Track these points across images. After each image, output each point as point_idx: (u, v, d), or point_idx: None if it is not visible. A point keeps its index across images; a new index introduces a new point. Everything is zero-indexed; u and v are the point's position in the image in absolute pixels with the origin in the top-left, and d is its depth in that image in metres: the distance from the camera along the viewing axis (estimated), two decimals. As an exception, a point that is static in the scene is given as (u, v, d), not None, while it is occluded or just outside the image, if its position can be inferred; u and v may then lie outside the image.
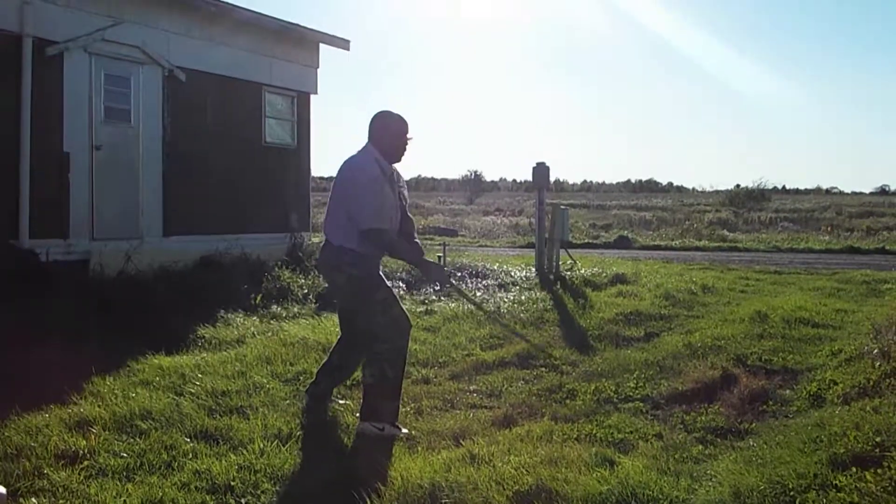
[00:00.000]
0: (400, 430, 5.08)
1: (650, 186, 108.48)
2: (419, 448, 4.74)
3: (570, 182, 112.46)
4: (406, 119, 5.30)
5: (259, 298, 9.58)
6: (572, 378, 6.57)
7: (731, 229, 31.31)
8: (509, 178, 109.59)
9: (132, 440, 4.74)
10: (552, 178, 14.69)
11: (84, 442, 4.60)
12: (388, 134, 5.24)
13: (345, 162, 5.27)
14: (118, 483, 4.09)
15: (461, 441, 4.81)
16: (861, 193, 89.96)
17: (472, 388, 6.29)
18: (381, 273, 5.44)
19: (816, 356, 7.29)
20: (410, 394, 5.99)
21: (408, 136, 5.28)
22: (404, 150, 5.30)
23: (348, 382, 5.94)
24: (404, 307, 5.55)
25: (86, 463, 4.33)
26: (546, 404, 5.77)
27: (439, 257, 12.49)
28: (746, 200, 47.88)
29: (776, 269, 15.77)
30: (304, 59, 14.38)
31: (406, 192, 5.55)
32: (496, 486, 3.97)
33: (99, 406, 5.29)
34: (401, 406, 5.40)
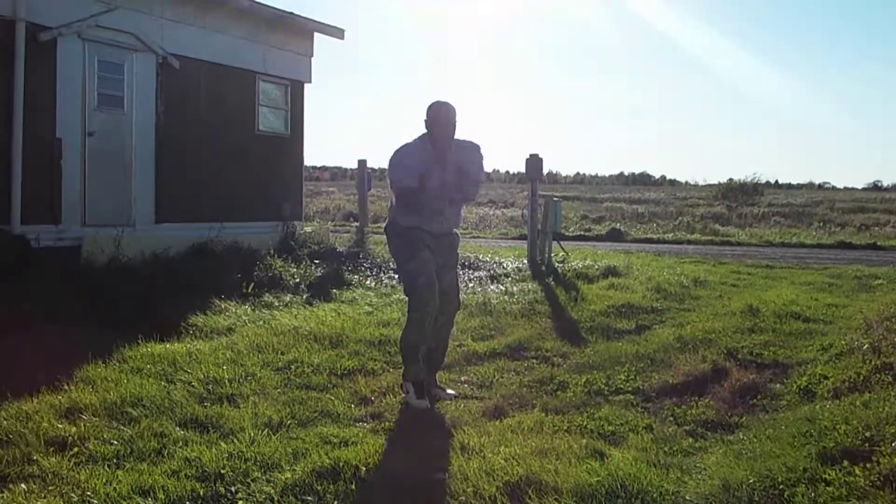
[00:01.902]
0: (415, 397, 5.45)
1: (643, 179, 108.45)
2: (410, 438, 4.74)
3: (564, 174, 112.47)
4: (443, 106, 5.68)
5: (251, 287, 9.56)
6: (563, 370, 6.57)
7: (724, 223, 31.37)
8: (502, 170, 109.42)
9: (122, 427, 4.73)
10: (545, 170, 14.67)
11: (74, 428, 4.59)
12: (427, 122, 5.72)
13: None
14: (108, 470, 4.09)
15: (452, 431, 4.82)
16: (853, 189, 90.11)
17: (463, 378, 6.30)
18: (424, 244, 5.67)
19: (807, 350, 7.31)
20: (401, 384, 5.99)
21: (436, 122, 5.66)
22: (439, 136, 5.67)
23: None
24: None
25: (76, 449, 4.32)
26: (537, 396, 5.77)
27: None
28: (739, 195, 47.82)
29: (768, 264, 15.81)
30: (298, 47, 14.34)
31: (469, 171, 5.78)
32: (486, 477, 3.98)
33: (89, 393, 5.28)
34: (388, 395, 5.64)
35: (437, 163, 5.65)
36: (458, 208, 5.92)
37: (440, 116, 5.67)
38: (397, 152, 5.73)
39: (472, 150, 5.86)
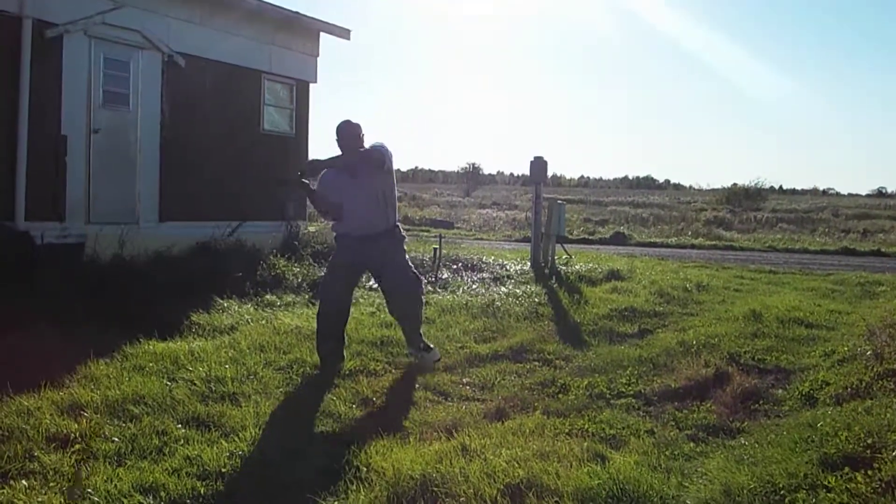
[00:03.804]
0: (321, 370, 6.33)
1: (647, 183, 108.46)
2: (411, 439, 4.74)
3: (568, 177, 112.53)
4: (346, 122, 6.62)
5: (253, 286, 9.56)
6: (565, 373, 6.57)
7: (728, 228, 31.33)
8: (506, 172, 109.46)
9: (124, 425, 4.74)
10: (549, 173, 14.68)
11: (76, 426, 4.60)
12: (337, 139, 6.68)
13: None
14: (109, 467, 4.09)
15: (453, 433, 4.82)
16: (858, 195, 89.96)
17: (465, 380, 6.30)
18: (348, 249, 6.66)
19: (809, 356, 7.30)
20: (403, 384, 6.00)
21: (340, 135, 6.61)
22: (344, 146, 6.58)
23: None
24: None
25: (77, 447, 4.32)
26: (538, 398, 5.77)
27: (435, 249, 12.49)
28: (743, 199, 47.79)
29: (771, 269, 15.80)
30: (304, 47, 14.34)
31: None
32: (487, 479, 3.98)
33: (92, 390, 5.29)
34: (390, 395, 5.76)
35: (350, 174, 6.53)
36: (377, 209, 6.61)
37: (343, 131, 6.57)
38: (320, 180, 6.77)
39: (376, 146, 6.56)
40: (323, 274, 6.84)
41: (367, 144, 6.58)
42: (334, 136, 6.59)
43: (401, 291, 6.76)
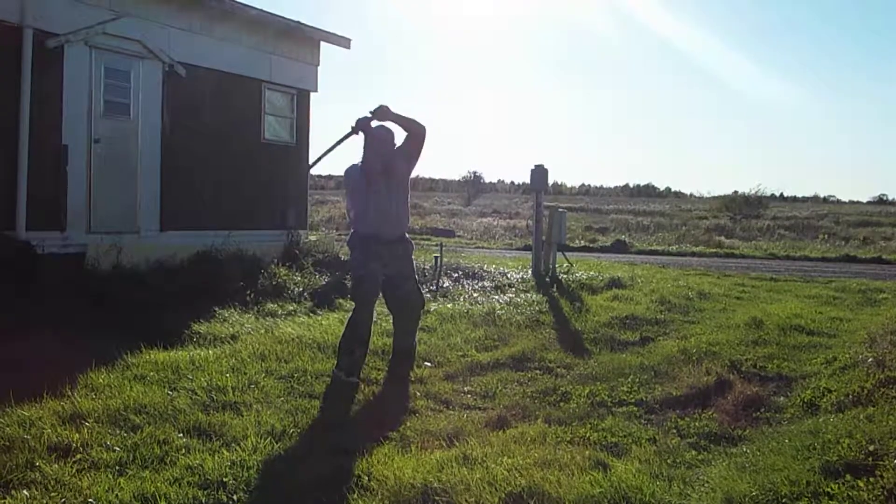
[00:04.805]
0: (351, 381, 6.14)
1: (648, 191, 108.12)
2: (412, 448, 4.73)
3: (569, 185, 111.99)
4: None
5: (254, 295, 9.56)
6: (567, 381, 6.56)
7: (729, 236, 31.33)
8: (507, 180, 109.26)
9: (125, 434, 4.73)
10: (550, 181, 14.69)
11: (77, 435, 4.59)
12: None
13: None
14: (110, 477, 4.09)
15: (454, 442, 4.81)
16: (858, 202, 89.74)
17: (466, 388, 6.29)
18: (372, 255, 6.53)
19: (811, 364, 7.29)
20: (404, 393, 5.99)
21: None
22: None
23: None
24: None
25: (78, 456, 4.32)
26: (540, 407, 5.76)
27: (436, 258, 12.50)
28: (744, 207, 47.69)
29: (772, 277, 15.79)
30: (304, 56, 14.37)
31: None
32: (489, 488, 3.97)
33: (92, 399, 5.28)
34: (391, 404, 5.72)
35: (383, 170, 6.59)
36: (405, 209, 6.77)
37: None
38: (347, 173, 6.83)
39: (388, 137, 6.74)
40: (355, 276, 6.68)
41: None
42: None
43: (414, 300, 6.96)
